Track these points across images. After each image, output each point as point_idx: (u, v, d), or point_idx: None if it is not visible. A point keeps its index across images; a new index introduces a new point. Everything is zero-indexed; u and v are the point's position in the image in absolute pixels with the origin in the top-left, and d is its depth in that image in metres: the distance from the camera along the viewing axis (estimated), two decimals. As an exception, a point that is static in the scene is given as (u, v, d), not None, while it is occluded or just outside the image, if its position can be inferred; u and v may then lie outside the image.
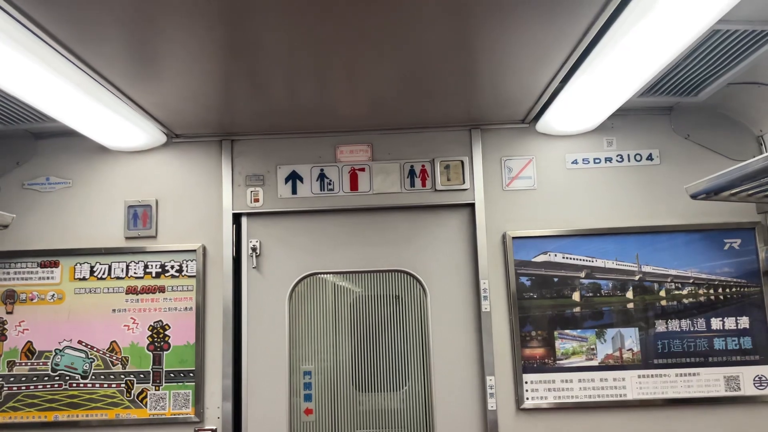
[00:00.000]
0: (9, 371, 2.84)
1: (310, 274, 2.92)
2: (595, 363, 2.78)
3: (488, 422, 2.75)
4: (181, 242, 2.91)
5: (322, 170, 2.95)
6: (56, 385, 2.83)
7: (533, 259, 2.84)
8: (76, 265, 2.91)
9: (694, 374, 2.75)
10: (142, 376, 2.83)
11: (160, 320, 2.86)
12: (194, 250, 2.89)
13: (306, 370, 2.89)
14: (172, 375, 2.83)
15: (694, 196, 2.56)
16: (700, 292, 2.80)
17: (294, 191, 2.93)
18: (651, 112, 2.92)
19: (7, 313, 2.89)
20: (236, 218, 2.94)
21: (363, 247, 2.93)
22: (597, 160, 2.92)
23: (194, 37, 1.91)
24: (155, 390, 2.82)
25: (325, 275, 2.95)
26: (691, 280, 2.81)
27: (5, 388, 2.83)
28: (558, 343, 2.80)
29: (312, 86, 2.40)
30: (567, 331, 2.80)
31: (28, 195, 2.97)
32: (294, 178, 2.94)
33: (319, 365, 2.90)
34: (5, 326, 2.87)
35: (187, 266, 2.89)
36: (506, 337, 2.81)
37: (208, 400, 2.82)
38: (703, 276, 2.80)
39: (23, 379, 2.84)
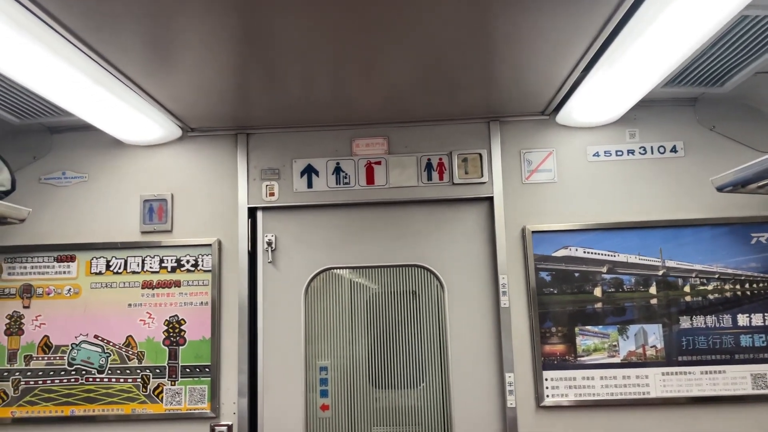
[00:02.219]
0: (26, 365, 2.85)
1: (326, 268, 2.90)
2: (617, 360, 2.72)
3: (507, 420, 2.70)
4: (196, 236, 2.90)
5: (338, 164, 2.91)
6: (72, 380, 2.84)
7: (553, 254, 2.79)
8: (92, 259, 2.91)
9: (719, 372, 2.69)
10: (158, 371, 2.82)
11: (176, 315, 2.85)
12: (210, 245, 2.88)
13: (322, 365, 2.86)
14: (188, 370, 2.82)
15: (720, 189, 2.50)
16: (726, 287, 2.73)
17: (309, 185, 2.91)
18: (675, 103, 2.86)
19: (24, 307, 2.89)
20: (252, 212, 2.92)
21: (379, 241, 2.90)
22: (619, 153, 2.86)
23: (210, 29, 1.90)
24: (171, 385, 2.81)
25: (341, 270, 2.93)
26: (716, 276, 2.74)
27: (22, 383, 2.84)
28: (579, 340, 2.74)
29: (328, 79, 2.37)
30: (588, 327, 2.75)
31: (45, 189, 2.97)
32: (309, 171, 2.91)
33: (335, 361, 2.88)
34: (22, 320, 2.88)
35: (202, 261, 2.88)
36: (526, 334, 2.76)
37: (224, 395, 2.80)
38: (729, 271, 2.73)
39: (40, 373, 2.84)
